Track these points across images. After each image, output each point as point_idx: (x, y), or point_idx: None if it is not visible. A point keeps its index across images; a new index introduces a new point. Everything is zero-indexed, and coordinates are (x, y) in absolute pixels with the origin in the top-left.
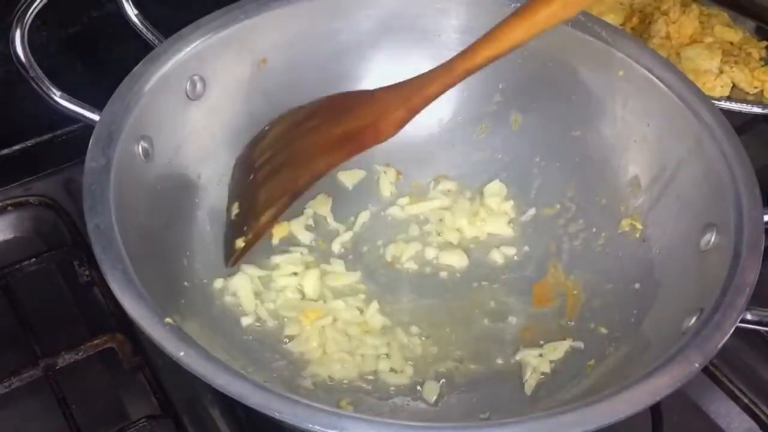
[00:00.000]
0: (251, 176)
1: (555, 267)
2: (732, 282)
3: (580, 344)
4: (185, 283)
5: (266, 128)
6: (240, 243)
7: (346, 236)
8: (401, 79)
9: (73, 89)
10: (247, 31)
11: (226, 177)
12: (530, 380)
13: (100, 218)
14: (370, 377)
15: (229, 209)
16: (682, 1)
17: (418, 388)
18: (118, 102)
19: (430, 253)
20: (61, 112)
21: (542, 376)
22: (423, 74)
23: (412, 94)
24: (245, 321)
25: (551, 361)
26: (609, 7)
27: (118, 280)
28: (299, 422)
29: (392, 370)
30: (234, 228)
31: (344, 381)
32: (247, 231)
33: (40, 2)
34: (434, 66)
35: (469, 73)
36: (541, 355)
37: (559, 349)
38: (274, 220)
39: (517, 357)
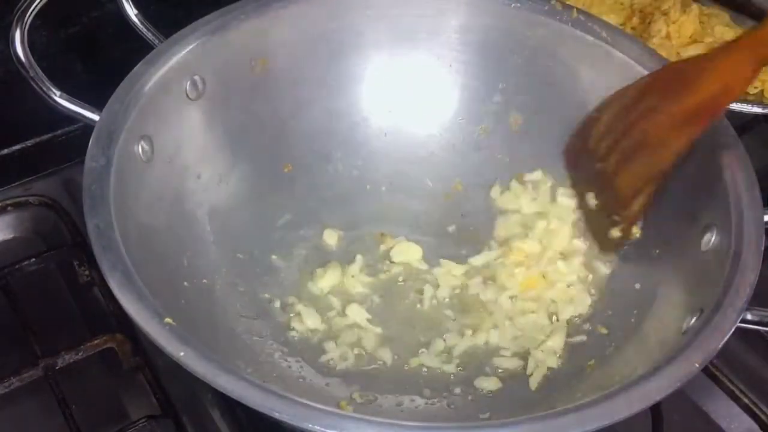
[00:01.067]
0: (598, 164)
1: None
2: (732, 282)
3: (582, 338)
4: (185, 283)
5: (594, 114)
6: (616, 233)
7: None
8: (402, 78)
9: (72, 89)
10: (247, 31)
11: (226, 177)
12: (536, 374)
13: (100, 218)
14: (372, 376)
15: (582, 200)
16: (683, 1)
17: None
18: (118, 102)
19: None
20: (61, 112)
21: (548, 372)
22: (758, 27)
23: (759, 48)
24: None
25: (558, 356)
26: (609, 7)
27: (118, 280)
28: (299, 422)
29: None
30: (598, 219)
31: (347, 377)
32: (619, 221)
33: (40, 2)
34: (435, 65)
35: None
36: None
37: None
38: (645, 207)
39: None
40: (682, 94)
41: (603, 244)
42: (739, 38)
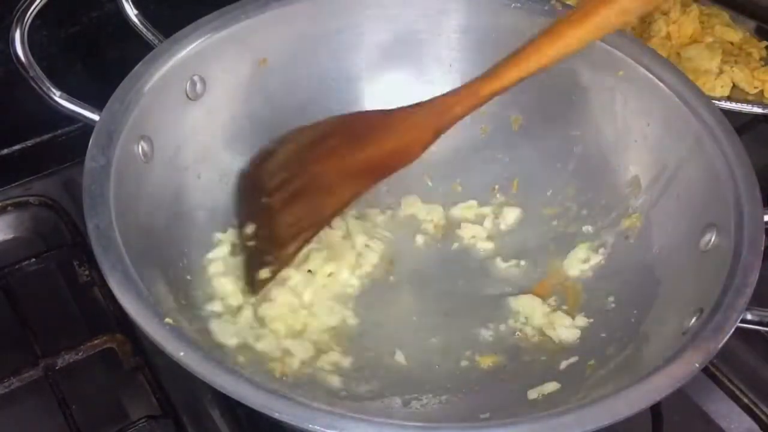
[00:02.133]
0: (264, 198)
1: (555, 267)
2: (732, 282)
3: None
4: (185, 283)
5: (271, 147)
6: (265, 273)
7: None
8: (402, 78)
9: (73, 89)
10: (247, 30)
11: (226, 177)
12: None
13: (100, 218)
14: (374, 373)
15: (241, 229)
16: (683, 1)
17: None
18: (118, 102)
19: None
20: (61, 112)
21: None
22: (447, 94)
23: (438, 116)
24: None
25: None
26: None
27: (118, 280)
28: (299, 422)
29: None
30: (254, 255)
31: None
32: (272, 261)
33: (40, 2)
34: (435, 65)
35: (495, 94)
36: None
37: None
38: (299, 250)
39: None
40: (362, 142)
41: (249, 281)
42: (426, 103)
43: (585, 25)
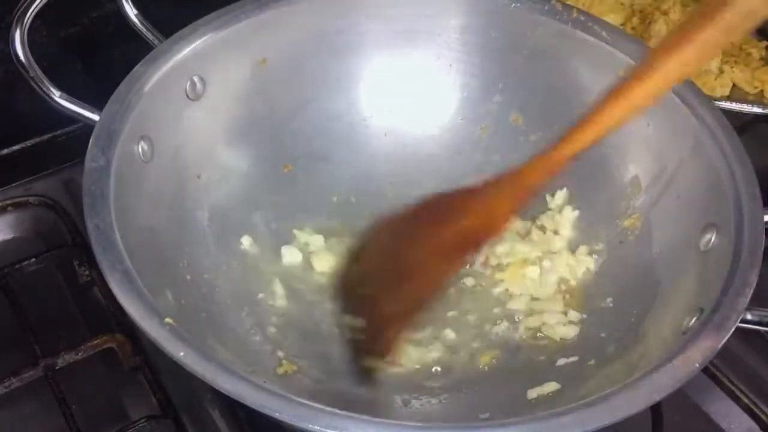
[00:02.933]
0: (362, 291)
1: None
2: (732, 282)
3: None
4: (185, 283)
5: (362, 239)
6: (375, 363)
7: None
8: (402, 78)
9: (72, 89)
10: (247, 31)
11: (226, 177)
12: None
13: (100, 218)
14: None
15: (348, 322)
16: (683, 1)
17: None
18: (118, 102)
19: None
20: (61, 112)
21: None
22: (525, 165)
23: (517, 188)
24: None
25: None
26: (609, 7)
27: (118, 281)
28: (299, 422)
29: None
30: (361, 344)
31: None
32: (380, 351)
33: (40, 2)
34: (435, 65)
35: (569, 159)
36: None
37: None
38: (404, 335)
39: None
40: (447, 221)
41: (359, 370)
42: (504, 178)
43: (651, 79)
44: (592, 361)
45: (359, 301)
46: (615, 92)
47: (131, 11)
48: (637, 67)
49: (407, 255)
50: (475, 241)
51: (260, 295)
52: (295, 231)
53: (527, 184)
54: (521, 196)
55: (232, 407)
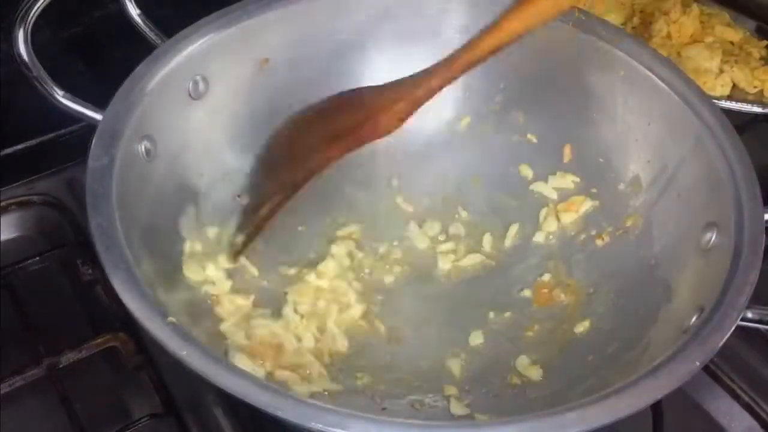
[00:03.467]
0: (258, 174)
1: (555, 266)
2: (733, 281)
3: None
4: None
5: (280, 127)
6: (240, 239)
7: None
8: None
9: (75, 89)
10: (249, 30)
11: (228, 176)
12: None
13: (103, 217)
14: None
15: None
16: (683, 1)
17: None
18: (121, 102)
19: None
20: (64, 112)
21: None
22: (425, 69)
23: (414, 87)
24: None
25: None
26: (610, 6)
27: (121, 279)
28: (302, 421)
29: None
30: (240, 226)
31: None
32: (247, 226)
33: (43, 2)
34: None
35: (470, 65)
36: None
37: None
38: (272, 215)
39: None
40: (339, 115)
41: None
42: (405, 78)
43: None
44: (591, 357)
45: (252, 182)
46: (513, 10)
47: (134, 11)
48: None
49: (296, 142)
50: (361, 135)
51: None
52: (299, 228)
53: (427, 88)
54: (419, 97)
55: (235, 406)
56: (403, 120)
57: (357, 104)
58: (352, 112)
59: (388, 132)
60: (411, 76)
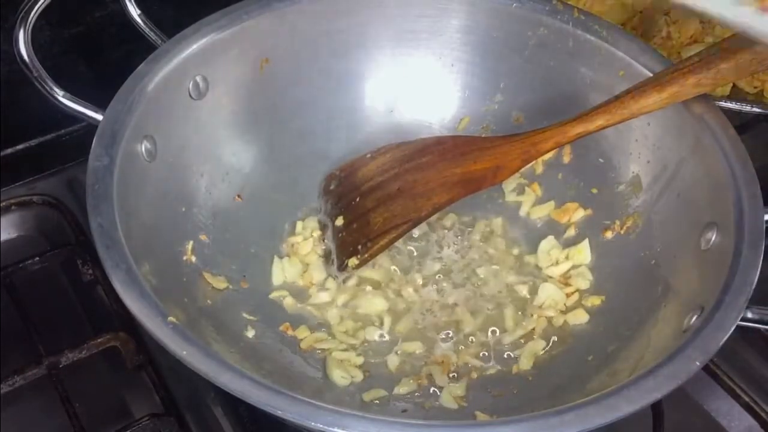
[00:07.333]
0: (358, 198)
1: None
2: (733, 280)
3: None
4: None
5: (368, 155)
6: (354, 261)
7: None
8: (404, 78)
9: (76, 89)
10: (249, 30)
11: (229, 176)
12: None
13: (104, 217)
14: (375, 372)
15: (333, 223)
16: None
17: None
18: (122, 102)
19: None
20: (65, 112)
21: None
22: (539, 130)
23: (529, 148)
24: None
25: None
26: (610, 6)
27: (121, 279)
28: (302, 420)
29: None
30: (344, 244)
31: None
32: (362, 251)
33: (44, 2)
34: (436, 65)
35: (580, 136)
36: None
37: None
38: (391, 243)
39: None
40: (459, 160)
41: (339, 266)
42: (520, 134)
43: (665, 90)
44: (591, 357)
45: (352, 206)
46: (633, 91)
47: (134, 11)
48: (658, 75)
49: (414, 177)
50: (479, 181)
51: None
52: (298, 223)
53: (539, 148)
54: (530, 156)
55: (235, 405)
56: (513, 173)
57: (475, 154)
58: (471, 161)
59: (501, 182)
60: (525, 134)
